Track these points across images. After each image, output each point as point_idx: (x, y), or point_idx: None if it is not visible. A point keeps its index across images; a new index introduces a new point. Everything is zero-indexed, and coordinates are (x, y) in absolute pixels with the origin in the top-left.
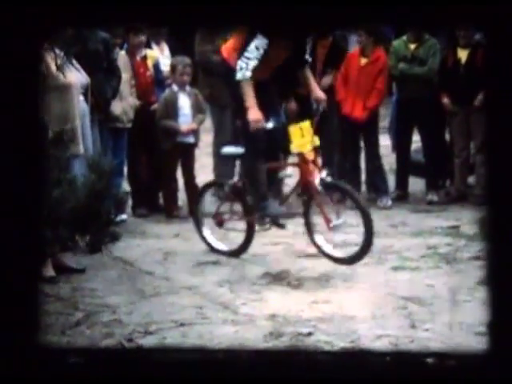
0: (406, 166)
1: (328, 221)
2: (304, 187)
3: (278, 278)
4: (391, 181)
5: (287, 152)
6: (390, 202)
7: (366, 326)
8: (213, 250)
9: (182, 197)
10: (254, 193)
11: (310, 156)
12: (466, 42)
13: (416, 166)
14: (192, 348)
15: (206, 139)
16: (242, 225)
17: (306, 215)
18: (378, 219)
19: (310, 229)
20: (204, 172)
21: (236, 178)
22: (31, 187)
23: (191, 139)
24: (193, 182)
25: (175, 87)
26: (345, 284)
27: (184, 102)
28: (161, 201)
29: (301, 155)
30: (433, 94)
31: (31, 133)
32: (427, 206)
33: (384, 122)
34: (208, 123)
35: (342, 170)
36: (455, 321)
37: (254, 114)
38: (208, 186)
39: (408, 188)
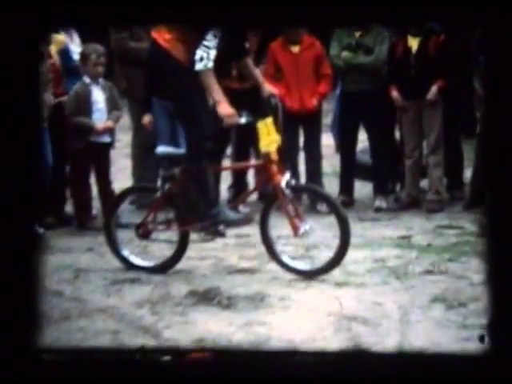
0: (350, 169)
1: (296, 227)
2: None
3: (206, 297)
4: (335, 185)
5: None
6: None
7: (306, 349)
8: (131, 266)
9: (96, 205)
10: (202, 198)
11: (275, 156)
12: (417, 29)
13: (362, 168)
14: (189, 348)
15: (124, 139)
16: (173, 235)
17: (264, 221)
18: (319, 228)
19: (267, 237)
20: (121, 176)
21: (167, 184)
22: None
23: (106, 139)
24: (109, 188)
25: (87, 79)
26: (282, 303)
27: (98, 97)
28: (71, 210)
29: (267, 155)
30: (380, 87)
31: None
32: (375, 213)
33: (326, 118)
34: (125, 120)
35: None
36: (405, 343)
37: (225, 108)
38: (127, 192)
39: (353, 193)
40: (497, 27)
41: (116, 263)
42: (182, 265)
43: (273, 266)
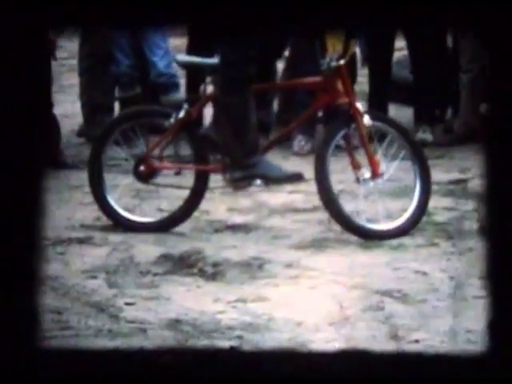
0: (383, 88)
1: (377, 166)
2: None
3: (184, 264)
4: None
5: None
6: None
7: (321, 336)
8: (119, 221)
9: None
10: (239, 139)
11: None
12: None
13: (400, 87)
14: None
15: (68, 46)
16: (185, 178)
17: (323, 158)
18: (339, 169)
19: (325, 175)
20: (65, 97)
21: (185, 107)
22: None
23: None
24: (49, 113)
25: None
26: (288, 272)
27: None
28: None
29: (340, 64)
30: None
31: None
32: None
33: None
34: None
35: None
36: (461, 328)
37: None
38: (127, 117)
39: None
40: None
41: (60, 216)
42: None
43: (276, 221)
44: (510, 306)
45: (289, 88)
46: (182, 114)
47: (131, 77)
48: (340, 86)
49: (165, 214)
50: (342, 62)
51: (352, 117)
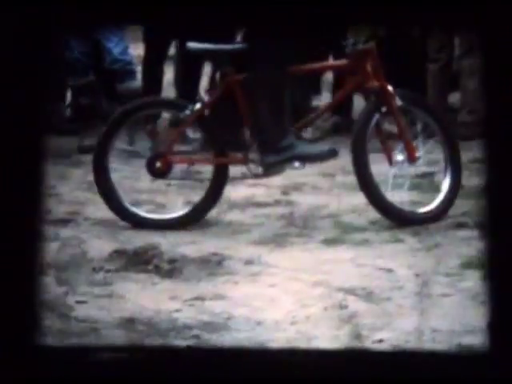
0: None
1: (413, 150)
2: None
3: (139, 260)
4: (327, 99)
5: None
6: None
7: (282, 335)
8: (132, 219)
9: None
10: (273, 123)
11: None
12: None
13: None
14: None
15: None
16: (203, 171)
17: (360, 144)
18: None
19: (364, 161)
20: None
21: (202, 98)
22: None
23: None
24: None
25: None
26: (248, 269)
27: None
28: None
29: (370, 47)
30: None
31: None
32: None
33: None
34: None
35: None
36: (426, 327)
37: None
38: (134, 109)
39: (352, 111)
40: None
41: None
42: (103, 213)
43: (236, 216)
44: (510, 306)
45: (317, 71)
46: (198, 106)
47: (84, 63)
48: (370, 68)
49: (180, 210)
50: (370, 44)
51: (384, 100)
